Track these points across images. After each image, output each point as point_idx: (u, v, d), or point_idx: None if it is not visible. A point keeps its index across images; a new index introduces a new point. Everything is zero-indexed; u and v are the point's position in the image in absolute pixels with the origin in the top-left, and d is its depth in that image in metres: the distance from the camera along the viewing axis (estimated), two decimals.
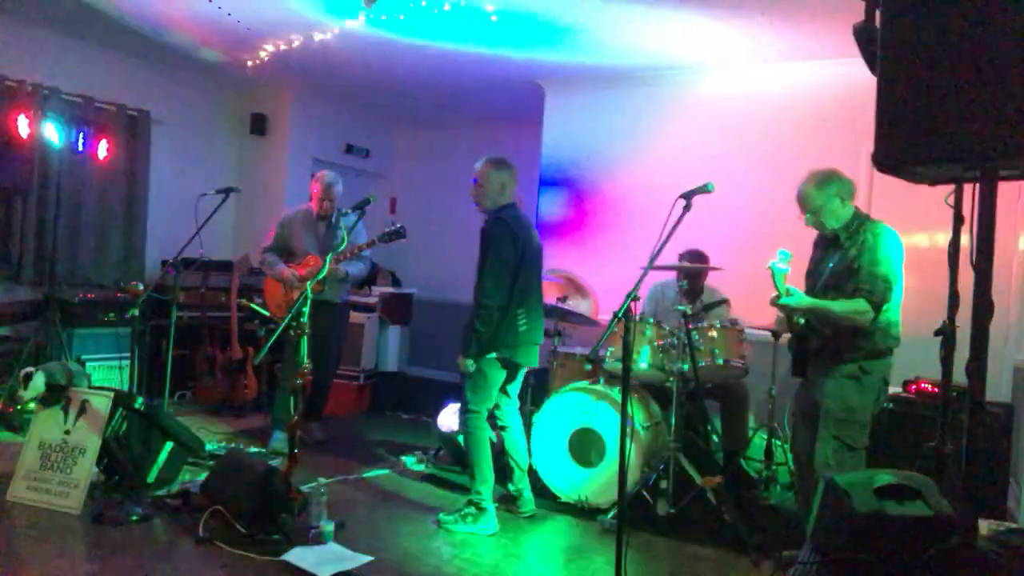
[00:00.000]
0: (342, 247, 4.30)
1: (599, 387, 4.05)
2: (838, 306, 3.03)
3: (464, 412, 3.69)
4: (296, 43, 5.35)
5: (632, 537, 3.29)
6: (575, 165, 6.00)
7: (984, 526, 2.32)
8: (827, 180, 3.11)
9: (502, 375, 3.69)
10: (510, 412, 3.88)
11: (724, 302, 4.54)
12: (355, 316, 6.05)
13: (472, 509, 3.59)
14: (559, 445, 4.06)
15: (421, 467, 4.61)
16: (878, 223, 3.11)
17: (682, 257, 4.56)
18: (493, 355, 3.58)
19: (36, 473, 3.53)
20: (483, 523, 3.57)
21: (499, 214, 3.65)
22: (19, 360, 4.78)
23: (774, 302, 3.12)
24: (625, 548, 2.55)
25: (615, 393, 3.92)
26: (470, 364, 3.57)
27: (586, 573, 3.23)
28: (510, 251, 3.57)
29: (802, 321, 3.21)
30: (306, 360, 3.36)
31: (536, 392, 4.85)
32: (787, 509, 4.10)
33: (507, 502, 3.88)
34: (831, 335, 3.10)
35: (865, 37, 1.99)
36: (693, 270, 4.46)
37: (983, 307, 1.66)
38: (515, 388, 3.89)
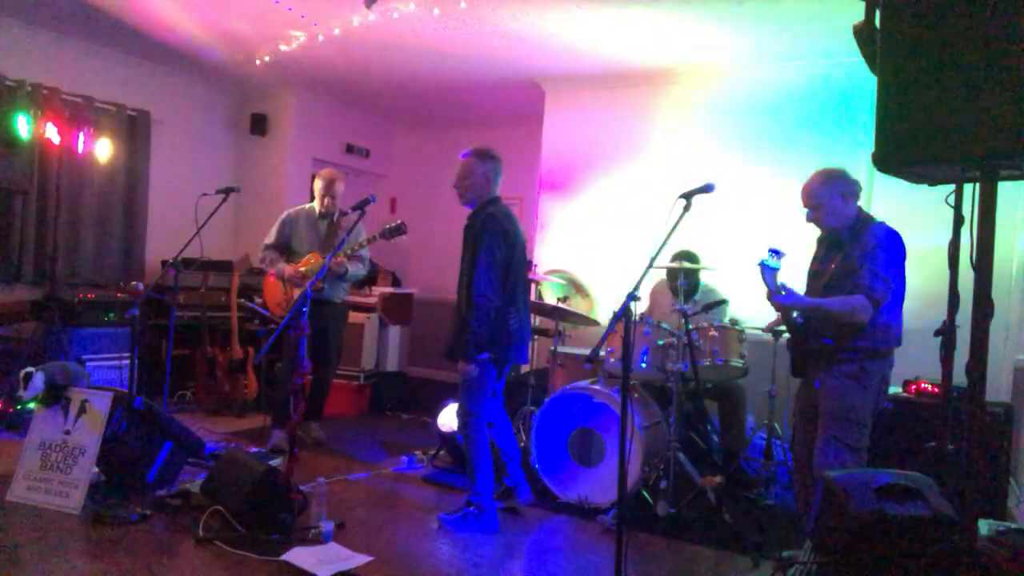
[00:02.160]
0: (341, 246, 4.30)
1: (599, 387, 4.05)
2: (836, 303, 3.03)
3: (463, 415, 3.65)
4: (296, 43, 5.35)
5: (632, 537, 3.30)
6: (575, 165, 6.00)
7: (984, 526, 2.32)
8: (831, 178, 3.13)
9: (493, 374, 3.65)
10: (496, 408, 3.85)
11: (724, 302, 4.55)
12: (355, 316, 6.05)
13: (474, 510, 3.58)
14: (559, 445, 4.06)
15: (421, 467, 4.61)
16: (881, 224, 3.11)
17: (675, 258, 4.57)
18: (486, 355, 3.53)
19: (36, 473, 3.53)
20: (485, 523, 3.57)
21: (488, 209, 3.56)
22: (19, 360, 4.78)
23: (769, 299, 3.13)
24: (625, 548, 2.55)
25: (615, 393, 3.92)
26: (474, 369, 3.49)
27: (586, 573, 3.23)
28: (502, 248, 3.49)
29: (799, 319, 3.22)
30: (306, 360, 3.36)
31: (536, 392, 4.86)
32: (787, 509, 4.09)
33: (506, 497, 3.87)
34: (831, 336, 3.10)
35: (865, 37, 1.99)
36: (690, 270, 4.46)
37: (983, 307, 1.66)
38: (499, 385, 3.87)
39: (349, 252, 4.54)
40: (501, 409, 3.90)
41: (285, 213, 4.97)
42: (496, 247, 3.46)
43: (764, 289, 3.14)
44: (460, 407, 3.69)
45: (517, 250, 3.60)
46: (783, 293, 3.08)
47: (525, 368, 4.98)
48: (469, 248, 3.55)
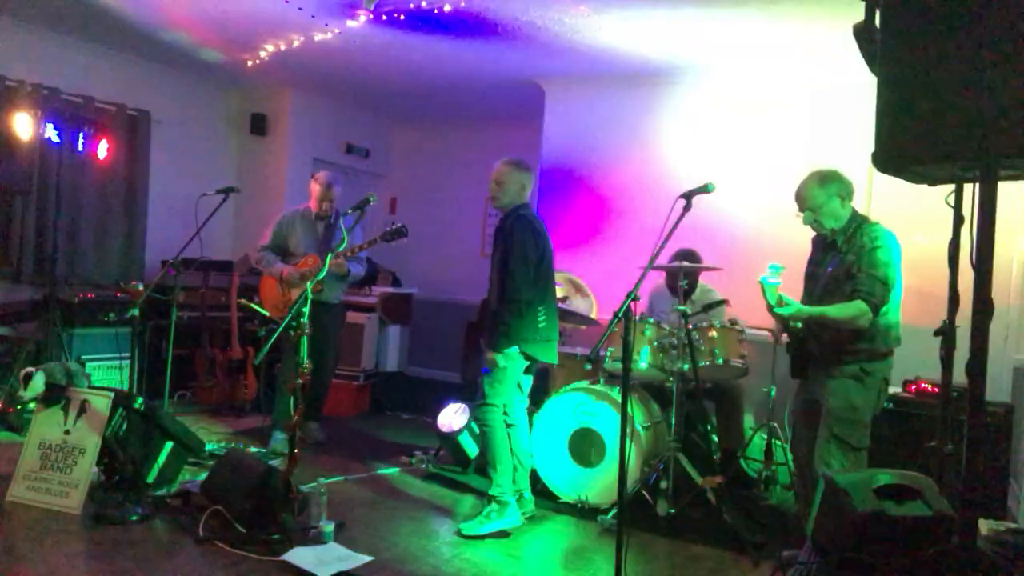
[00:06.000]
0: (341, 247, 4.30)
1: (599, 387, 4.05)
2: (835, 311, 3.02)
3: (481, 405, 3.70)
4: (296, 43, 5.35)
5: (632, 537, 3.29)
6: (575, 165, 6.00)
7: (984, 526, 2.32)
8: (829, 179, 3.11)
9: (521, 369, 3.72)
10: (519, 410, 3.88)
11: (723, 302, 4.54)
12: (355, 316, 6.05)
13: (494, 506, 3.59)
14: (559, 445, 4.06)
15: (421, 467, 4.61)
16: (875, 225, 3.10)
17: (675, 257, 4.58)
18: (515, 349, 3.61)
19: (36, 473, 3.53)
20: (507, 517, 3.58)
21: (519, 212, 3.70)
22: (19, 360, 4.78)
23: (770, 311, 3.13)
24: (625, 548, 2.55)
25: (615, 393, 3.92)
26: (500, 359, 3.59)
27: (586, 573, 3.23)
28: (534, 249, 3.63)
29: (799, 325, 3.22)
30: (306, 360, 3.36)
31: (536, 392, 4.85)
32: (787, 509, 4.10)
33: None
34: (830, 339, 3.10)
35: (865, 37, 1.99)
36: (690, 270, 4.46)
37: (983, 307, 1.66)
38: (527, 384, 3.91)
39: (349, 254, 4.54)
40: (524, 413, 3.92)
41: (281, 215, 4.95)
42: (528, 248, 3.60)
43: (764, 303, 3.14)
44: (479, 396, 3.73)
45: (547, 253, 3.74)
46: (783, 305, 3.09)
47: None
48: (499, 248, 3.67)
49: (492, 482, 3.65)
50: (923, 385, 4.00)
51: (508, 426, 3.84)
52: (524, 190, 3.77)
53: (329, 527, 3.28)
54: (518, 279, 3.55)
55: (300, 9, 4.71)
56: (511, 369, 3.66)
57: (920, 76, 1.66)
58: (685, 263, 4.36)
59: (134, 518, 3.35)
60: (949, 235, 2.11)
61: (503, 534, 3.54)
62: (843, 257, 3.08)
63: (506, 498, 3.60)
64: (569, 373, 4.60)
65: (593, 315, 4.99)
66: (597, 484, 3.92)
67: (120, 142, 5.97)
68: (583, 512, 3.91)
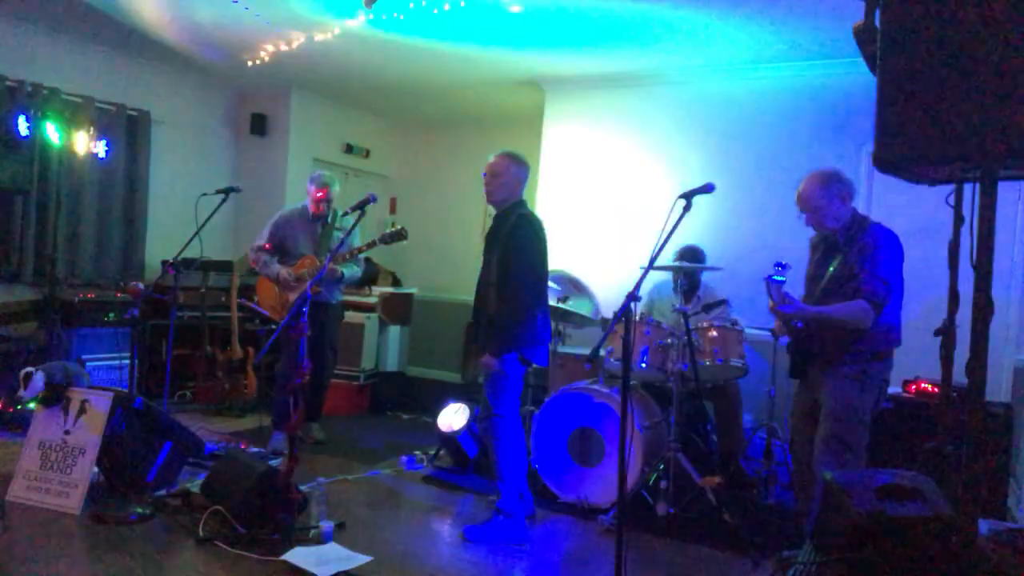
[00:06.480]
0: (341, 249, 4.29)
1: (599, 387, 4.05)
2: (838, 310, 3.02)
3: (488, 417, 3.56)
4: (296, 43, 5.35)
5: (632, 537, 3.29)
6: (575, 165, 6.00)
7: (984, 526, 2.32)
8: (829, 179, 3.12)
9: (522, 374, 3.62)
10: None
11: (723, 302, 4.55)
12: (355, 316, 6.05)
13: (501, 519, 3.51)
14: (559, 445, 4.06)
15: (421, 467, 4.61)
16: (877, 225, 3.11)
17: (680, 253, 4.58)
18: (515, 354, 3.50)
19: (36, 473, 3.53)
20: (513, 533, 3.49)
21: (520, 211, 3.58)
22: (19, 360, 4.78)
23: (773, 310, 3.13)
24: (625, 548, 2.55)
25: (615, 393, 3.92)
26: (497, 363, 3.46)
27: (586, 573, 3.23)
28: (535, 251, 3.54)
29: (798, 324, 3.22)
30: (306, 360, 3.36)
31: (536, 392, 4.85)
32: (787, 509, 4.09)
33: None
34: (831, 339, 3.10)
35: (865, 37, 1.99)
36: (691, 268, 4.47)
37: (983, 307, 1.66)
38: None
39: (348, 256, 4.52)
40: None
41: (278, 214, 4.91)
42: (531, 250, 3.50)
43: (768, 301, 3.14)
44: (484, 408, 3.61)
45: (546, 256, 3.63)
46: (787, 303, 3.08)
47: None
48: (497, 247, 3.54)
49: (499, 495, 3.55)
50: (923, 385, 4.00)
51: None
52: (521, 185, 3.63)
53: (329, 527, 3.28)
54: (521, 284, 3.44)
55: (290, 9, 4.70)
56: (514, 375, 3.55)
57: (920, 76, 1.66)
58: (684, 263, 4.36)
59: (134, 518, 3.35)
60: (949, 235, 2.11)
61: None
62: (845, 257, 3.08)
63: (514, 513, 3.52)
64: (569, 373, 4.60)
65: (593, 315, 4.98)
66: (597, 484, 3.92)
67: (120, 142, 5.98)
68: (583, 512, 3.91)
